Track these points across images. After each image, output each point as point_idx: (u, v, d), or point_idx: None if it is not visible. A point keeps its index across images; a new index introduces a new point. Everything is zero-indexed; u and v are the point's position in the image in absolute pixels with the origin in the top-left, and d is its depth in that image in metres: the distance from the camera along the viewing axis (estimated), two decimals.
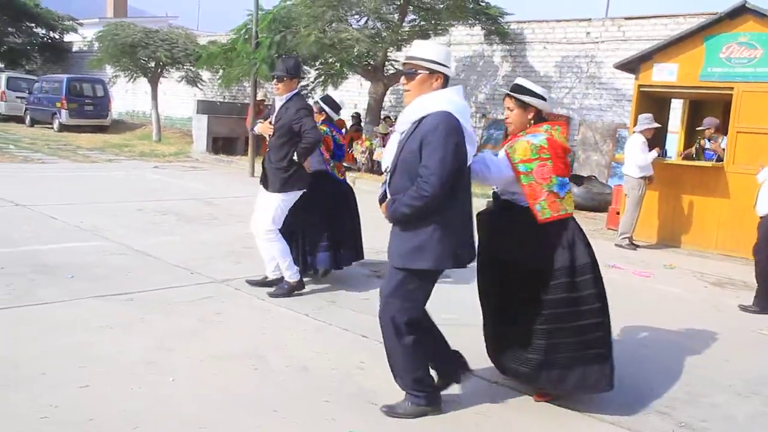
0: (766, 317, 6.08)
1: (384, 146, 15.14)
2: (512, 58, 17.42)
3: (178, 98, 25.29)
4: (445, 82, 3.58)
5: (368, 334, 4.86)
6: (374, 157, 15.34)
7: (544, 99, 3.92)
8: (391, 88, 17.78)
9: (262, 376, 4.06)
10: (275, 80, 5.66)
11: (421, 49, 3.59)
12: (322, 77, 16.92)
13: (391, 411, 3.67)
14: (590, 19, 16.21)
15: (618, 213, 9.97)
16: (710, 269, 7.91)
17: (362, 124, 17.43)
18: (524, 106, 3.90)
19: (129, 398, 3.62)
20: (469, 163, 3.57)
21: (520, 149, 3.80)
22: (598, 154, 15.63)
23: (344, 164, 16.04)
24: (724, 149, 9.21)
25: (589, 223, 11.15)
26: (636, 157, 8.93)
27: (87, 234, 7.55)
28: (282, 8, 16.46)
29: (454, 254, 3.49)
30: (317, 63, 16.81)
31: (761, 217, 6.40)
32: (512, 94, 3.93)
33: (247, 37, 16.80)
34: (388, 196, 3.61)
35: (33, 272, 5.85)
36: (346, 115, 18.65)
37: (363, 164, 15.53)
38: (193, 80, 21.88)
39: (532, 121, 3.91)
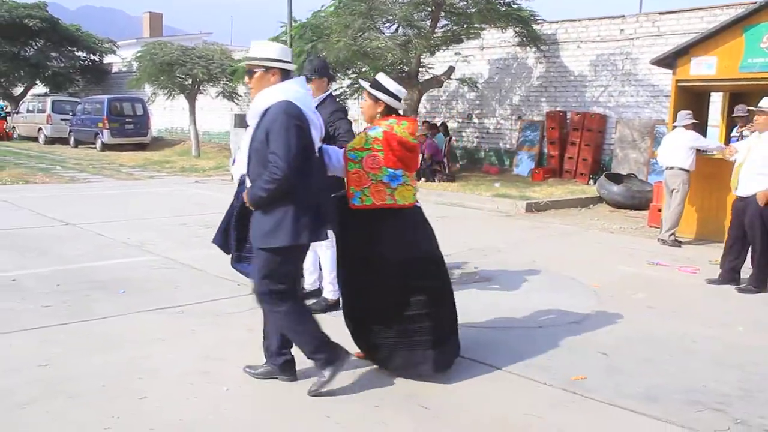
0: None
1: (425, 151, 15.18)
2: (546, 59, 17.35)
3: (216, 113, 25.68)
4: (285, 75, 3.90)
5: None
6: None
7: (397, 98, 4.28)
8: (426, 94, 17.83)
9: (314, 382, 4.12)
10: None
11: (256, 49, 3.92)
12: (356, 86, 17.04)
13: (316, 391, 3.91)
14: (624, 16, 16.09)
15: (659, 210, 9.86)
16: None
17: None
18: (375, 99, 4.26)
19: (186, 408, 3.71)
20: (318, 147, 3.96)
21: (356, 139, 4.23)
22: (637, 152, 15.46)
23: None
24: None
25: (629, 221, 11.06)
26: (700, 145, 8.95)
27: (134, 249, 7.73)
28: (314, 18, 16.63)
29: (309, 230, 3.78)
30: (350, 72, 16.93)
31: (741, 198, 6.65)
32: (364, 86, 4.33)
33: None
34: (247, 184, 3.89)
35: (87, 288, 6.01)
36: None
37: None
38: (230, 95, 22.21)
39: (379, 115, 4.25)
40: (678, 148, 8.86)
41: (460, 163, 18.65)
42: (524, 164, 17.39)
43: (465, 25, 15.74)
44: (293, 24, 16.84)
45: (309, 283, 5.78)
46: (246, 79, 4.01)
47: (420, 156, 15.21)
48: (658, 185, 10.39)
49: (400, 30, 15.69)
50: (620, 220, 11.22)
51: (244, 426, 3.53)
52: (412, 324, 4.10)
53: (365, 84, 4.36)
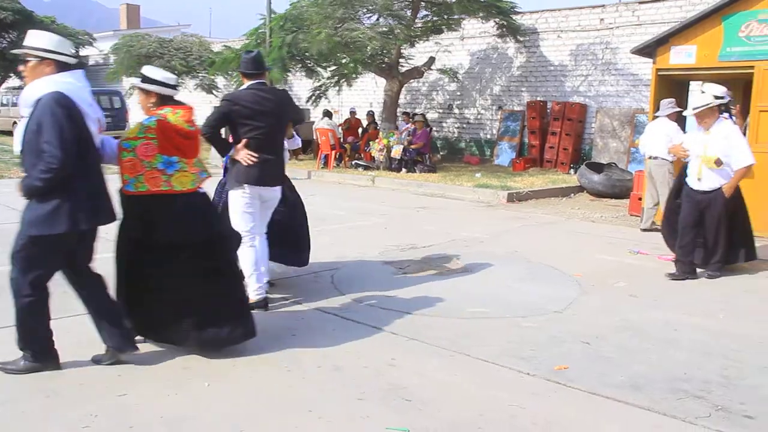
0: None
1: (402, 143, 15.16)
2: (526, 49, 17.36)
3: (195, 106, 25.40)
4: (60, 67, 3.92)
5: (398, 331, 4.88)
6: (392, 155, 15.33)
7: (167, 85, 4.40)
8: (406, 85, 17.79)
9: (296, 377, 4.09)
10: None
11: (32, 39, 3.93)
12: (336, 77, 16.96)
13: (3, 367, 3.99)
14: (604, 6, 16.13)
15: (640, 199, 9.89)
16: None
17: (379, 122, 17.45)
18: (146, 92, 4.39)
19: (167, 404, 3.66)
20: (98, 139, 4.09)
21: (131, 129, 4.33)
22: (617, 141, 15.52)
23: (362, 163, 16.10)
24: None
25: (610, 210, 11.10)
26: (671, 139, 8.90)
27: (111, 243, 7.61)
28: (293, 9, 16.51)
29: (86, 217, 3.88)
30: (330, 63, 16.85)
31: (705, 192, 6.60)
32: (135, 84, 4.49)
33: (259, 41, 16.88)
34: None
35: (64, 284, 5.91)
36: (361, 114, 18.71)
37: (381, 162, 15.53)
38: (209, 87, 22.02)
39: (153, 105, 4.37)
40: (661, 137, 8.84)
41: (441, 153, 18.64)
42: (505, 154, 17.40)
43: (445, 16, 15.73)
44: (273, 15, 16.71)
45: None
46: (21, 66, 4.04)
47: (401, 145, 15.18)
48: (638, 174, 10.42)
49: (381, 20, 15.63)
50: (601, 209, 11.25)
51: (225, 421, 3.49)
52: (189, 305, 4.26)
53: (136, 81, 4.51)
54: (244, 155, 5.07)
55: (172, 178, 4.24)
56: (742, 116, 9.70)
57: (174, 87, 4.48)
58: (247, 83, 5.33)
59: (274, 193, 5.39)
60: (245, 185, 5.15)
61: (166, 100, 4.41)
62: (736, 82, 9.85)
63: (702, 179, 6.56)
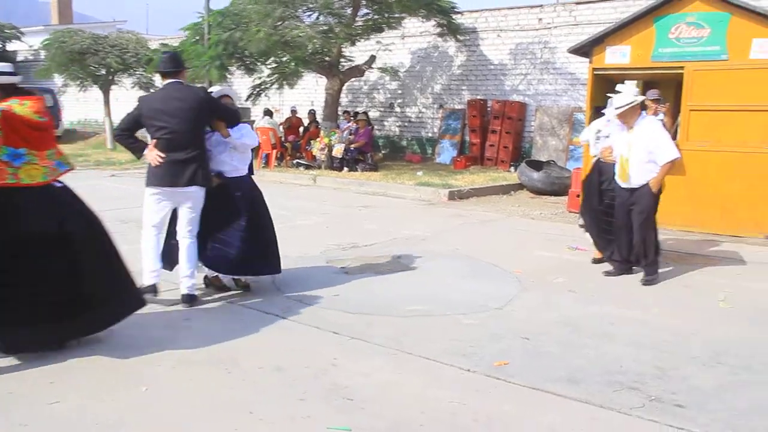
0: (722, 286, 6.21)
1: (344, 142, 15.12)
2: (467, 48, 17.51)
3: (132, 105, 24.79)
4: None
5: (339, 331, 4.86)
6: (333, 153, 15.27)
7: (4, 73, 4.29)
8: (347, 83, 17.76)
9: (236, 378, 4.03)
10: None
11: None
12: (276, 75, 16.78)
13: None
14: (542, 6, 16.37)
15: (578, 196, 10.08)
16: (671, 245, 8.04)
17: (320, 121, 17.36)
18: None
19: (102, 410, 3.56)
20: None
21: None
22: (556, 139, 15.80)
23: (304, 162, 15.99)
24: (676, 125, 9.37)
25: (549, 207, 11.29)
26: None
27: None
28: (232, 6, 16.29)
29: None
30: (270, 61, 16.68)
31: (633, 189, 6.55)
32: None
33: (197, 38, 16.61)
34: None
35: None
36: (302, 113, 18.60)
37: (323, 161, 15.46)
38: (146, 86, 21.54)
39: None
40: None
41: (383, 152, 18.68)
42: (446, 152, 17.53)
43: (386, 14, 15.74)
44: (211, 11, 16.45)
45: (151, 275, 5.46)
46: None
47: (340, 143, 15.13)
48: (576, 171, 10.62)
49: (321, 18, 15.55)
50: (540, 206, 11.44)
51: (163, 426, 3.41)
52: (42, 299, 4.18)
53: None
54: (152, 156, 5.17)
55: (20, 170, 4.15)
56: (673, 115, 9.97)
57: (12, 74, 4.34)
58: (164, 82, 5.36)
59: (188, 193, 5.33)
60: (151, 186, 5.29)
61: (10, 91, 4.28)
62: (668, 81, 10.13)
63: (629, 177, 6.52)
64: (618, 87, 6.74)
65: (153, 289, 5.38)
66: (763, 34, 8.51)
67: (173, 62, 5.37)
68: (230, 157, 5.60)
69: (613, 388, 3.96)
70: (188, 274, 5.41)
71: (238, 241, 5.50)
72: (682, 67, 9.06)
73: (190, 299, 5.41)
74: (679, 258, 7.47)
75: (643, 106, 7.98)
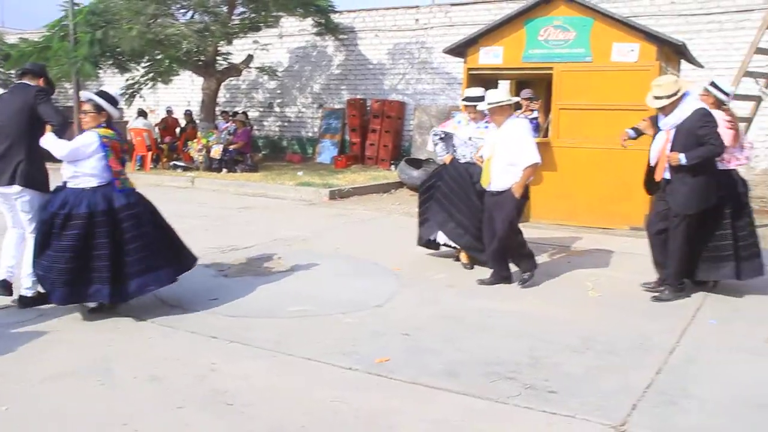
0: (591, 276, 6.52)
1: (222, 142, 14.81)
2: (345, 48, 17.58)
3: None
4: None
5: (218, 335, 4.74)
6: (212, 155, 14.91)
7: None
8: (225, 83, 17.42)
9: (109, 390, 3.84)
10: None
11: None
12: (151, 75, 16.21)
13: None
14: (418, 7, 16.66)
15: None
16: (544, 239, 8.36)
17: (197, 121, 16.92)
18: None
19: None
20: None
21: None
22: None
23: (181, 164, 15.50)
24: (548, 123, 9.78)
25: None
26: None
27: None
28: (99, 2, 15.58)
29: None
30: (144, 60, 16.10)
31: (495, 193, 6.23)
32: None
33: (63, 34, 15.78)
34: None
35: None
36: (178, 114, 18.08)
37: (201, 163, 15.06)
38: (4, 83, 20.25)
39: None
40: None
41: (263, 152, 18.45)
42: (327, 152, 17.52)
43: (263, 13, 15.52)
44: (76, 7, 15.66)
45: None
46: None
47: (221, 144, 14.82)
48: None
49: (197, 16, 15.15)
50: None
51: None
52: None
53: None
54: None
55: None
56: (546, 112, 10.40)
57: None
58: None
59: (8, 191, 5.20)
60: None
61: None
62: (540, 81, 10.56)
63: (492, 181, 6.21)
64: (500, 84, 6.87)
65: (3, 284, 5.30)
66: (622, 39, 9.00)
67: (25, 67, 5.53)
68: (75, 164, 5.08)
69: (491, 378, 4.07)
70: (28, 273, 5.20)
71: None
72: (551, 68, 9.45)
73: (23, 301, 5.24)
74: (554, 251, 7.78)
75: (517, 106, 8.24)
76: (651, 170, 6.02)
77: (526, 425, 3.52)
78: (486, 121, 6.67)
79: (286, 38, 18.33)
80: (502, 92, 6.38)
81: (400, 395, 3.84)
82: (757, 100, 9.65)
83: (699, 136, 5.56)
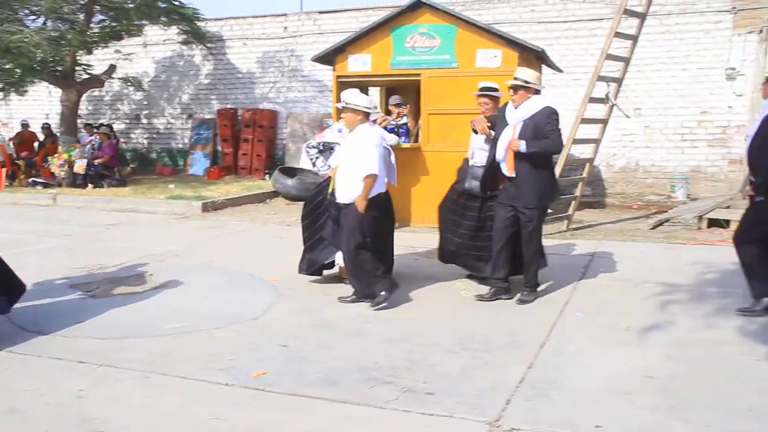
0: (462, 277, 6.71)
1: (86, 156, 14.14)
2: (213, 57, 17.24)
3: None
4: None
5: (86, 360, 4.51)
6: (75, 170, 14.19)
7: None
8: (86, 94, 16.67)
9: None
10: None
11: None
12: (1, 86, 15.19)
13: None
14: (286, 14, 16.58)
15: None
16: (419, 242, 8.52)
17: (57, 135, 16.07)
18: None
19: None
20: None
21: None
22: None
23: (41, 180, 14.64)
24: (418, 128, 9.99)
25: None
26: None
27: None
28: None
29: None
30: None
31: (344, 205, 5.86)
32: None
33: None
34: None
35: None
36: (35, 127, 17.13)
37: (63, 179, 14.29)
38: None
39: None
40: None
41: (132, 166, 17.79)
42: (199, 163, 17.10)
43: (124, 21, 14.95)
44: None
45: None
46: None
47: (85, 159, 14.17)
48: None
49: (50, 24, 14.39)
50: (296, 212, 11.42)
51: None
52: None
53: None
54: None
55: None
56: (415, 119, 10.62)
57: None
58: None
59: None
60: None
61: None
62: (409, 87, 10.75)
63: (337, 191, 5.87)
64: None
65: None
66: (486, 45, 9.33)
67: None
68: None
69: (369, 384, 4.09)
70: None
71: None
72: (419, 74, 9.66)
73: None
74: (427, 254, 7.92)
75: (387, 112, 8.31)
76: (492, 167, 6.01)
77: (404, 429, 3.57)
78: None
79: (151, 47, 17.75)
80: (355, 94, 5.87)
81: (279, 408, 3.79)
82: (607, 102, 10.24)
83: (544, 132, 5.70)
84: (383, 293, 5.77)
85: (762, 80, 6.21)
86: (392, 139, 9.53)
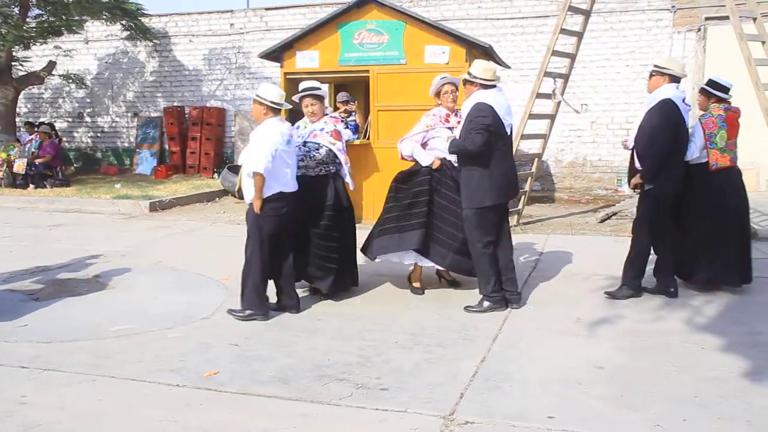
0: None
1: (26, 156, 13.73)
2: (158, 54, 16.95)
3: None
4: None
5: (29, 364, 4.38)
6: (15, 170, 13.76)
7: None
8: (25, 91, 16.21)
9: None
10: None
11: None
12: None
13: None
14: (233, 11, 16.40)
15: None
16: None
17: None
18: None
19: None
20: None
21: None
22: None
23: None
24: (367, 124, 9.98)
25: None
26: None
27: None
28: None
29: None
30: None
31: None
32: None
33: None
34: None
35: None
36: None
37: (2, 179, 13.84)
38: None
39: None
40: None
41: (75, 165, 17.37)
42: (146, 162, 16.80)
43: (64, 16, 14.56)
44: None
45: None
46: None
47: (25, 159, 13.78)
48: None
49: None
50: (246, 210, 11.40)
51: None
52: None
53: None
54: None
55: None
56: (364, 115, 10.59)
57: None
58: None
59: None
60: None
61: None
62: (358, 83, 10.73)
63: (243, 189, 5.53)
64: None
65: None
66: (434, 42, 9.38)
67: None
68: None
69: (323, 381, 4.07)
70: None
71: None
72: (367, 71, 9.65)
73: None
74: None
75: (336, 109, 8.23)
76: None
77: (359, 425, 3.55)
78: (325, 122, 5.92)
79: (93, 44, 17.36)
80: (267, 87, 5.51)
81: (231, 408, 3.74)
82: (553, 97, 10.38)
83: (467, 130, 5.41)
84: (254, 312, 5.33)
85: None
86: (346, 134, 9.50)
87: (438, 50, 9.36)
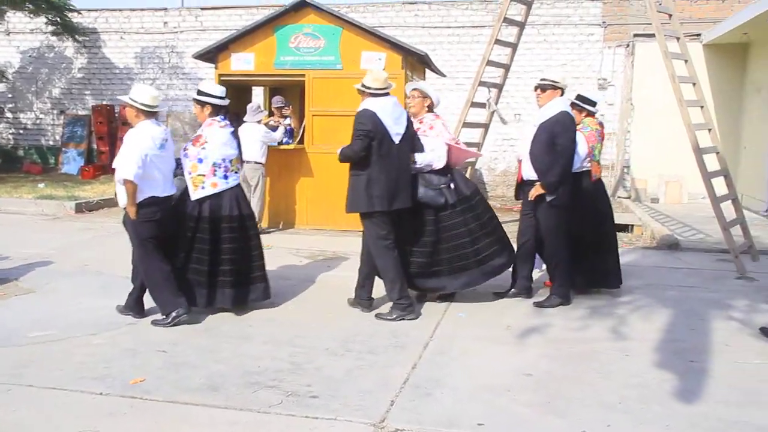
0: (346, 279, 6.69)
1: None
2: (87, 50, 16.48)
3: None
4: None
5: None
6: None
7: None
8: None
9: None
10: None
11: None
12: None
13: None
14: (166, 9, 16.10)
15: None
16: (304, 244, 8.46)
17: None
18: None
19: None
20: None
21: None
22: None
23: None
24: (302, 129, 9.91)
25: None
26: (267, 139, 9.14)
27: None
28: None
29: None
30: None
31: None
32: None
33: None
34: None
35: None
36: None
37: None
38: None
39: None
40: (252, 142, 8.94)
41: None
42: (73, 162, 16.30)
43: None
44: None
45: None
46: None
47: None
48: None
49: None
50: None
51: None
52: None
53: None
54: None
55: None
56: (299, 120, 10.52)
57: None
58: None
59: None
60: None
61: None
62: (294, 88, 10.65)
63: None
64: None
65: None
66: (370, 48, 9.39)
67: None
68: None
69: (253, 389, 4.00)
70: None
71: None
72: (303, 75, 9.59)
73: None
74: (311, 256, 7.88)
75: (271, 113, 8.14)
76: None
77: None
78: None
79: (16, 36, 16.75)
80: (139, 88, 5.42)
81: (157, 417, 3.63)
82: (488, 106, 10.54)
83: (351, 136, 5.46)
84: (175, 313, 5.18)
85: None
86: (276, 136, 9.44)
87: (374, 56, 9.38)
